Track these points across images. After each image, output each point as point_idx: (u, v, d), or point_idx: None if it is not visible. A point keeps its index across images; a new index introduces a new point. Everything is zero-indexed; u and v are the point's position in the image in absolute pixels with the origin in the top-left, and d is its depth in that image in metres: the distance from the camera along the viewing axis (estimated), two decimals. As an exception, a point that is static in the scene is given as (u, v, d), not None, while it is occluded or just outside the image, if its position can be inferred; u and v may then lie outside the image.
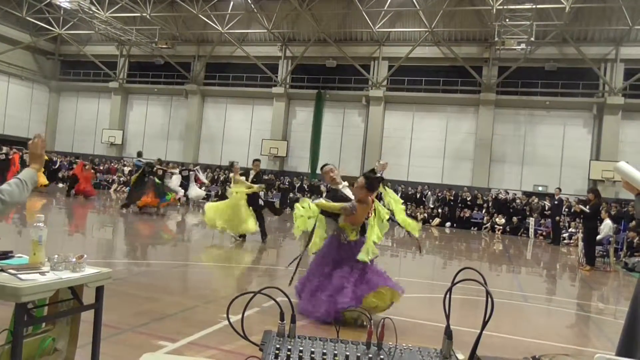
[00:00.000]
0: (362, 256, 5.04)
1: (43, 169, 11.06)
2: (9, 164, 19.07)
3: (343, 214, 5.21)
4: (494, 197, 22.04)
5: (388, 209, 5.48)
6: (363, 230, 5.38)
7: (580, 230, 13.79)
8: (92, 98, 31.10)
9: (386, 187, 5.59)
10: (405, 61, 24.18)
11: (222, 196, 24.71)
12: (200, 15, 24.58)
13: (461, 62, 23.38)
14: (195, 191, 21.39)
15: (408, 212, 6.23)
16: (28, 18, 27.04)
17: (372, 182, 5.20)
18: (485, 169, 23.50)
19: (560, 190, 18.83)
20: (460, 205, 22.06)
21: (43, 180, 17.93)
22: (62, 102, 32.02)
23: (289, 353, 1.56)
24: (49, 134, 31.34)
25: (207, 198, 21.69)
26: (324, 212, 5.46)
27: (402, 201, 5.85)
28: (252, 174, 11.69)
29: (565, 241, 18.58)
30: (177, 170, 19.92)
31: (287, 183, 24.38)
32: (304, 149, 26.19)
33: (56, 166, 26.34)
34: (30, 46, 29.90)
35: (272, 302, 1.77)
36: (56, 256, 2.48)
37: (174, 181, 19.52)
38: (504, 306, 6.68)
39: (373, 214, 5.30)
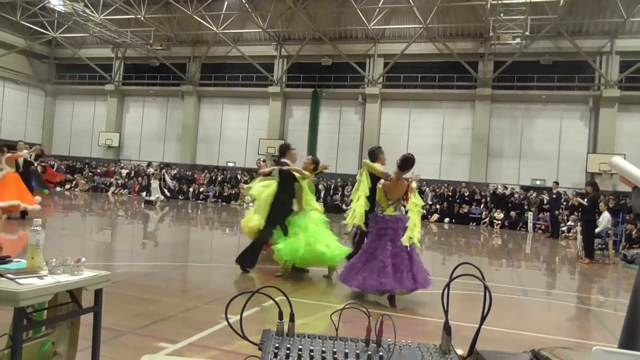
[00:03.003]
0: (404, 240, 5.77)
1: (43, 171, 11.26)
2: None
3: (382, 177, 6.03)
4: (492, 192, 22.07)
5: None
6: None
7: (579, 224, 13.82)
8: (88, 101, 31.05)
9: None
10: (400, 58, 24.18)
11: (220, 196, 24.81)
12: (194, 16, 24.55)
13: (456, 58, 23.39)
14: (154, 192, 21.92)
15: (406, 207, 6.69)
16: (22, 22, 26.97)
17: (403, 161, 5.86)
18: (482, 164, 23.52)
19: (557, 184, 18.86)
20: (458, 200, 22.08)
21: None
22: (58, 105, 31.96)
23: (288, 352, 1.56)
24: (46, 138, 31.30)
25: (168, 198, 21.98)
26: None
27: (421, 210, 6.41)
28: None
29: (564, 234, 18.61)
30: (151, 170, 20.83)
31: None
32: (301, 147, 26.15)
33: (54, 170, 26.30)
34: (25, 50, 29.81)
35: (271, 301, 1.77)
36: (54, 260, 2.48)
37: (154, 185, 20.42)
38: (503, 300, 6.69)
39: (411, 200, 6.04)
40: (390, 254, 5.69)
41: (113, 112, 29.84)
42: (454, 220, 21.57)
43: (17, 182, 11.41)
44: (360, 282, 5.73)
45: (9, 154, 11.54)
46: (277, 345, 1.60)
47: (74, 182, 26.62)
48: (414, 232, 5.82)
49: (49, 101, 31.71)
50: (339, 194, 23.73)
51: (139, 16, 24.58)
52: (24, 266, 2.48)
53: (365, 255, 5.88)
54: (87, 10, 23.88)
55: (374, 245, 5.85)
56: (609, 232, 13.42)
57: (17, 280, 2.25)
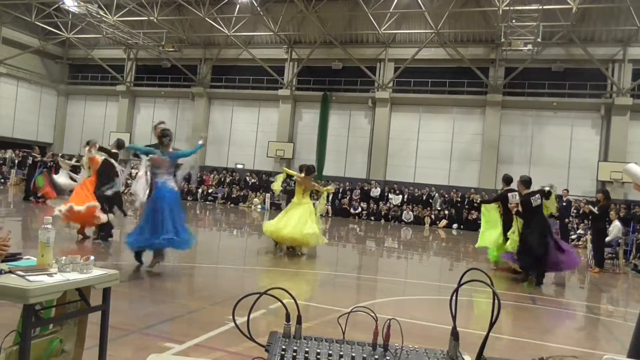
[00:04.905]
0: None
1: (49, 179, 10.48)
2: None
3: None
4: (501, 198, 21.90)
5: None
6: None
7: (589, 232, 13.68)
8: (100, 101, 31.30)
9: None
10: (411, 63, 24.15)
11: (228, 198, 24.86)
12: (206, 19, 24.67)
13: (467, 64, 23.32)
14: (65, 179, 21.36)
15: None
16: (37, 22, 27.27)
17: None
18: (492, 170, 23.39)
19: (567, 191, 18.71)
20: (467, 206, 21.97)
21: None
22: (70, 105, 32.25)
23: (294, 354, 1.56)
24: (57, 138, 31.59)
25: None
26: None
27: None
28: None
29: (573, 243, 18.42)
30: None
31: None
32: (310, 150, 26.20)
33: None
34: (38, 50, 30.13)
35: (278, 303, 1.77)
36: (64, 258, 2.49)
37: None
38: (512, 308, 6.64)
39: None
40: None
41: (124, 112, 30.06)
42: (462, 226, 21.45)
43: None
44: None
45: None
46: (284, 347, 1.59)
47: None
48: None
49: (61, 101, 32.01)
50: (347, 197, 23.70)
51: (151, 18, 24.76)
52: (34, 263, 2.50)
53: None
54: (101, 12, 24.11)
55: None
56: (619, 241, 13.27)
57: (26, 277, 2.27)
